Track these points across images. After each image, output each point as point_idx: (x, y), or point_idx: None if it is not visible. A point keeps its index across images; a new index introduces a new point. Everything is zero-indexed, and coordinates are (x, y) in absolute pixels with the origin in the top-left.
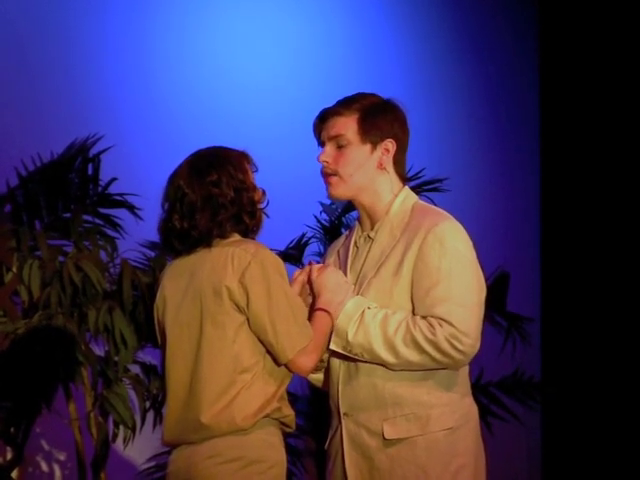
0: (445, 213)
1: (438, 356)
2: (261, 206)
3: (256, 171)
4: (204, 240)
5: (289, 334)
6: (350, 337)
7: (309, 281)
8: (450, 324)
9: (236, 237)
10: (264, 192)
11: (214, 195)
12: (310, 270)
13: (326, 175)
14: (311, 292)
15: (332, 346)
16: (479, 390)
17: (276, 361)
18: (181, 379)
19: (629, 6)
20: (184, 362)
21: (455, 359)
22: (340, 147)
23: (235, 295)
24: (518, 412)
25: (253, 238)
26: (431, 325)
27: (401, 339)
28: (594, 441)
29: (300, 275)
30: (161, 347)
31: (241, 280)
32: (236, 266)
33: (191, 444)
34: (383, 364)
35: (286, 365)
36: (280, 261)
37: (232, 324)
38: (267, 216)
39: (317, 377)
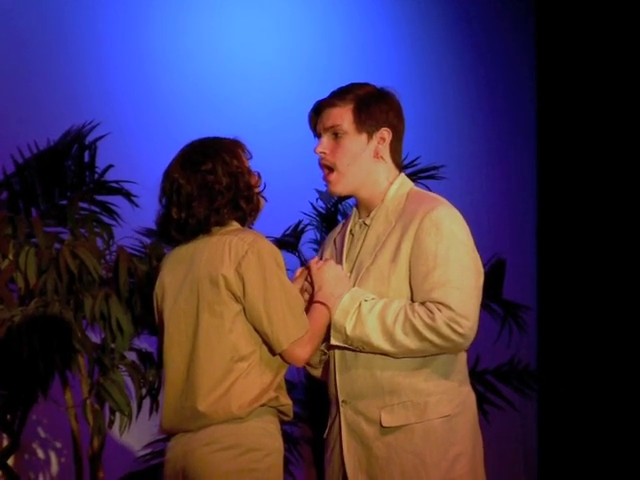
0: (441, 198)
1: (439, 341)
2: (258, 190)
3: (250, 158)
4: (202, 228)
5: (284, 324)
6: (349, 332)
7: (309, 276)
8: (449, 308)
9: (235, 226)
10: (260, 176)
11: (209, 182)
12: (310, 265)
13: (324, 167)
14: (311, 287)
15: (333, 341)
16: (475, 378)
17: (272, 351)
18: (178, 367)
19: (626, 3)
20: (181, 350)
21: (456, 342)
22: (336, 138)
23: (232, 284)
24: (514, 400)
25: (252, 223)
26: (430, 311)
27: (400, 328)
28: (590, 429)
29: (299, 277)
30: (159, 335)
31: (237, 269)
32: (233, 255)
33: (188, 432)
34: (384, 354)
35: (281, 355)
36: (277, 251)
37: (229, 313)
38: (265, 200)
39: (317, 372)
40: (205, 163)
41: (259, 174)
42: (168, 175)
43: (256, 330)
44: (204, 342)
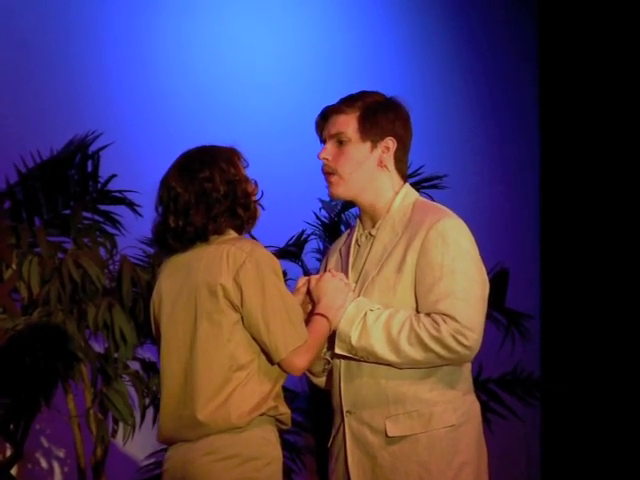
0: (447, 209)
1: (443, 352)
2: (255, 198)
3: (247, 166)
4: (200, 236)
5: (283, 333)
6: (354, 341)
7: (309, 291)
8: (454, 319)
9: (232, 234)
10: (257, 184)
11: (207, 190)
12: (309, 280)
13: (326, 174)
14: (311, 301)
15: (337, 350)
16: (478, 387)
17: (271, 360)
18: (176, 375)
19: (629, 3)
20: (179, 359)
21: (461, 354)
22: (340, 145)
23: (230, 293)
24: (517, 409)
25: (249, 231)
26: (435, 322)
27: (405, 339)
28: (593, 438)
29: (302, 286)
30: (157, 344)
31: (236, 279)
32: (231, 264)
33: (187, 441)
34: (389, 364)
35: (279, 364)
36: (275, 260)
37: (227, 322)
38: (263, 208)
39: (320, 380)
40: (202, 171)
41: (256, 182)
42: (165, 183)
43: (254, 339)
44: (202, 351)
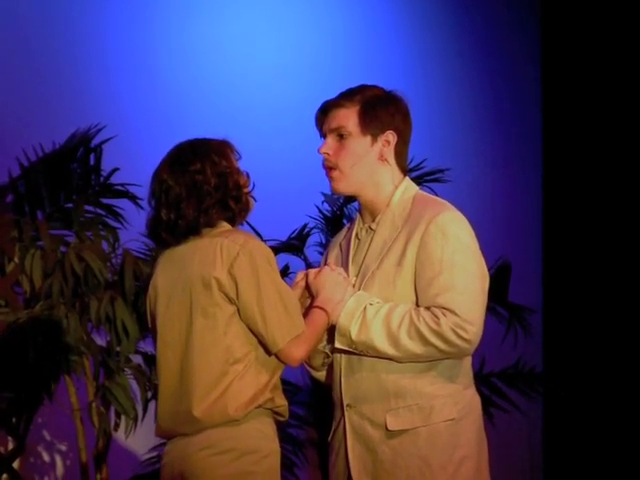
0: (446, 203)
1: (443, 346)
2: (247, 190)
3: (240, 159)
4: (192, 229)
5: (279, 324)
6: (354, 336)
7: (307, 285)
8: (454, 313)
9: (225, 227)
10: (249, 176)
11: (198, 183)
12: (307, 274)
13: (327, 168)
14: (310, 295)
15: (337, 345)
16: (480, 381)
17: (268, 351)
18: (172, 370)
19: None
20: (175, 354)
21: (461, 348)
22: (341, 139)
23: (225, 286)
24: (519, 403)
25: (241, 223)
26: (435, 315)
27: (405, 332)
28: (595, 432)
29: (301, 280)
30: (153, 338)
31: (230, 271)
32: (225, 257)
33: (185, 436)
34: (389, 358)
35: (276, 355)
36: (269, 251)
37: (223, 315)
38: (255, 200)
39: (320, 374)
40: (194, 163)
41: (248, 174)
42: (157, 176)
43: (251, 331)
44: (198, 345)
